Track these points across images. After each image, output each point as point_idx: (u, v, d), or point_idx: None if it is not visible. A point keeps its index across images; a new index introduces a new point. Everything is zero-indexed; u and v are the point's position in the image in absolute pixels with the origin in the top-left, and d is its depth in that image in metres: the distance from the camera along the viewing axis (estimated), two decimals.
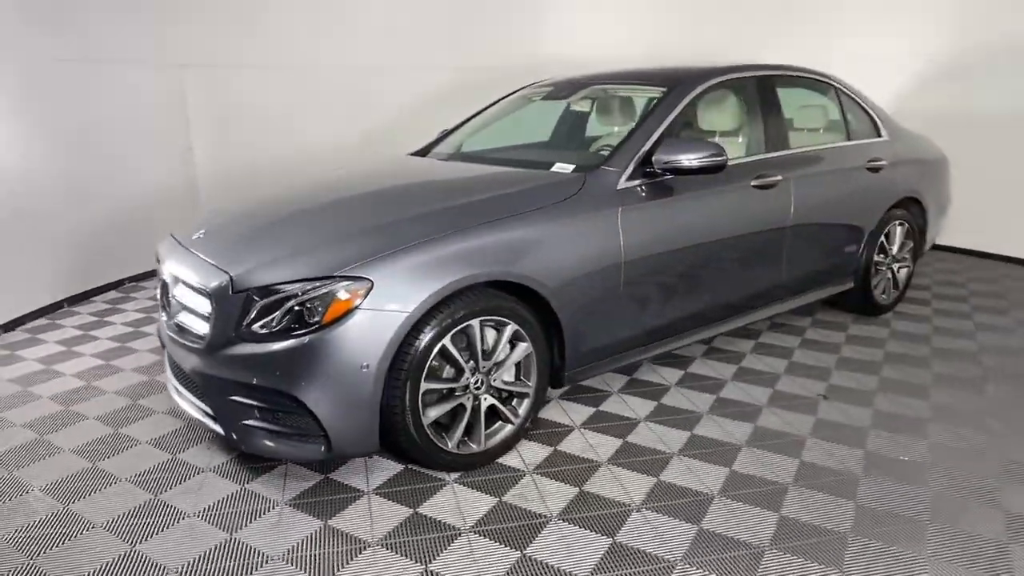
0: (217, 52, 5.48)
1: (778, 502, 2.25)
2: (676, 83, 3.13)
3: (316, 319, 2.11)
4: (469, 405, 2.40)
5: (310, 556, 2.02)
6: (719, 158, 2.74)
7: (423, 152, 3.71)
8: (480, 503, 2.28)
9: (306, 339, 2.10)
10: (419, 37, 6.04)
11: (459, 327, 2.28)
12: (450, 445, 2.37)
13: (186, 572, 1.96)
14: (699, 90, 3.12)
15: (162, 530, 2.14)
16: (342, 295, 2.11)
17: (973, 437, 2.68)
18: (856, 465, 2.48)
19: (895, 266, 4.10)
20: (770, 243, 3.28)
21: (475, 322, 2.32)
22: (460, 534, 2.11)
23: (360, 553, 2.03)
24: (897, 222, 3.99)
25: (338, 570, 1.96)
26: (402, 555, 2.02)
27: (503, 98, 3.96)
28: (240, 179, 5.57)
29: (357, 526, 2.16)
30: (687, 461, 2.51)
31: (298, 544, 2.07)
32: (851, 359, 3.46)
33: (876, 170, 3.80)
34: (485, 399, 2.44)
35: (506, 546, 2.06)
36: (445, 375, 2.35)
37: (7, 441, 2.70)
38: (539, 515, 2.20)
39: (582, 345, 2.67)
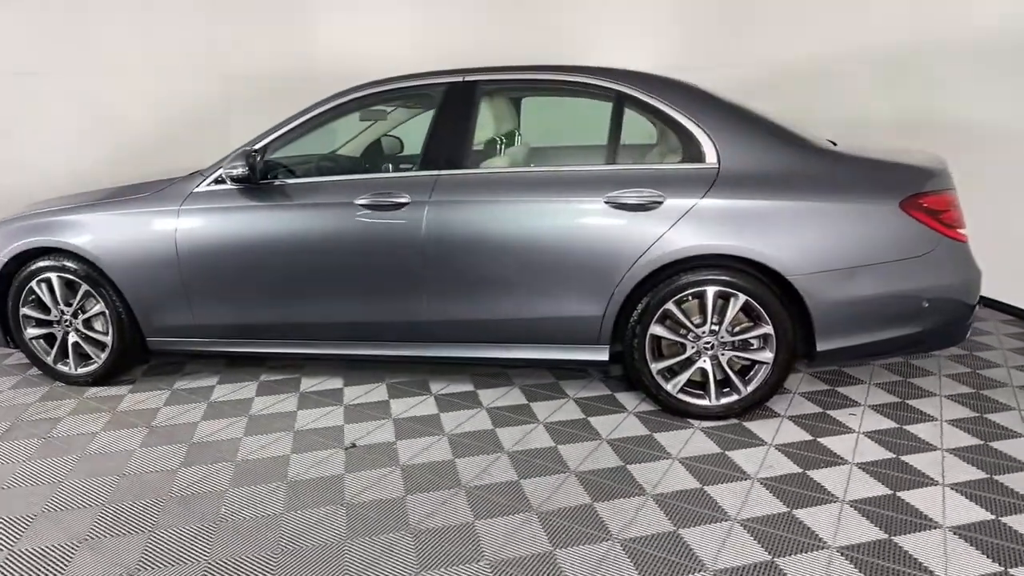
0: None
1: None
2: (332, 97, 3.09)
3: None
4: (59, 338, 3.30)
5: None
6: (232, 172, 2.89)
7: None
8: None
9: None
10: (173, 39, 5.29)
11: (37, 279, 3.20)
12: (48, 361, 3.33)
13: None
14: (328, 107, 3.03)
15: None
16: None
17: None
18: None
19: (726, 354, 2.77)
20: (389, 272, 2.91)
21: (53, 276, 3.20)
22: None
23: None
24: (715, 288, 2.71)
25: None
26: None
27: None
28: None
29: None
30: None
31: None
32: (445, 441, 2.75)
33: (638, 207, 2.71)
34: (71, 338, 3.28)
35: None
36: (42, 313, 3.29)
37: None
38: None
39: (155, 321, 3.18)
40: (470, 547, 2.06)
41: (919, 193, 2.63)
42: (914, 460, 2.50)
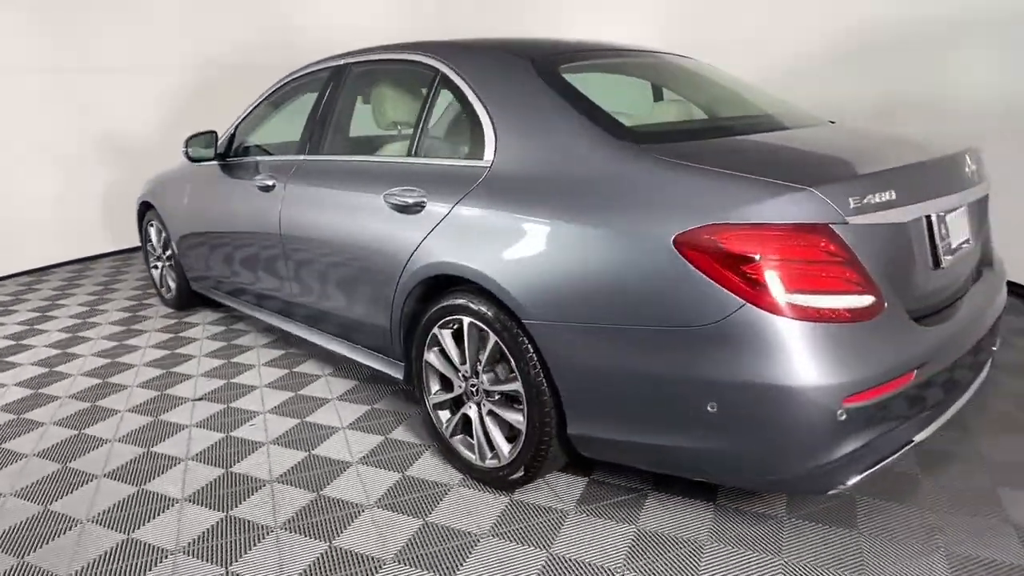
0: None
1: None
2: (271, 86, 3.32)
3: None
4: (158, 272, 4.35)
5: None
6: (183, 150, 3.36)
7: None
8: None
9: None
10: (147, 35, 5.57)
11: (146, 224, 4.28)
12: (157, 287, 4.43)
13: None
14: (267, 95, 3.27)
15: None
16: None
17: None
18: None
19: (486, 405, 2.20)
20: (270, 252, 3.03)
21: (154, 222, 4.23)
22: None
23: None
24: (470, 320, 2.16)
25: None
26: None
27: None
28: None
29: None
30: None
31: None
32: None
33: (405, 209, 2.29)
34: (163, 273, 4.29)
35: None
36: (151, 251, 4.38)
37: None
38: None
39: (188, 269, 3.94)
40: None
41: (719, 224, 1.60)
42: None
